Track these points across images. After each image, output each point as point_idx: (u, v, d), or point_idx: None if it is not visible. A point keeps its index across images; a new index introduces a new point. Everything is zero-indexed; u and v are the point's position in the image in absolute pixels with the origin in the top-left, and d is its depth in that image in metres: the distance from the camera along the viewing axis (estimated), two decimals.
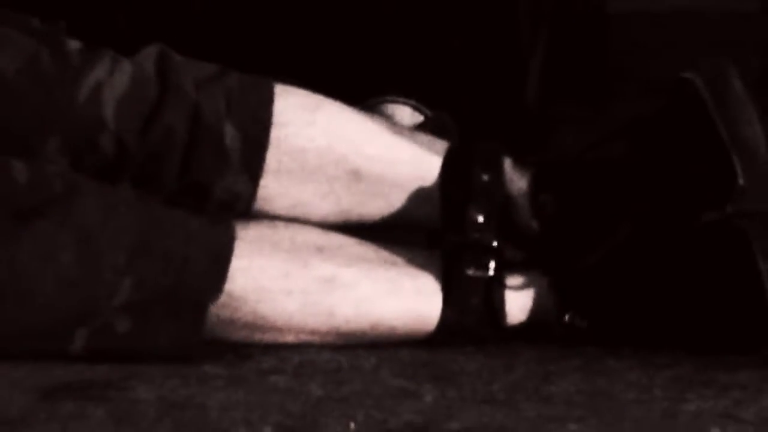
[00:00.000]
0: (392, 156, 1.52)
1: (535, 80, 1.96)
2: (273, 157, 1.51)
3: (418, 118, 1.69)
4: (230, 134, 1.50)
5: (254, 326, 1.45)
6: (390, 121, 1.60)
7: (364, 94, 1.65)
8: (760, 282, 1.42)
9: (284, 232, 1.49)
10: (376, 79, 1.70)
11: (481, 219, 1.48)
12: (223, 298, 1.42)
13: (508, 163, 1.51)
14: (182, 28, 1.70)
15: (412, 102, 1.67)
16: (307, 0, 1.93)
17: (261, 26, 1.86)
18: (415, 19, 1.94)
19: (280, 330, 1.46)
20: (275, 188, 1.51)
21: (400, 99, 1.67)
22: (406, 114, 1.65)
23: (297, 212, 1.51)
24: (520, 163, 1.52)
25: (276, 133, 1.51)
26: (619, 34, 2.49)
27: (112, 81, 1.49)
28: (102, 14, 1.66)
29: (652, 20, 2.63)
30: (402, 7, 1.94)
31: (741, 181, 1.44)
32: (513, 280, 1.49)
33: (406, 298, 1.47)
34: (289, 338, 1.46)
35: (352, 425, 1.27)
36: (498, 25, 1.95)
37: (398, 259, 1.50)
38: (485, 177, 1.50)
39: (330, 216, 1.52)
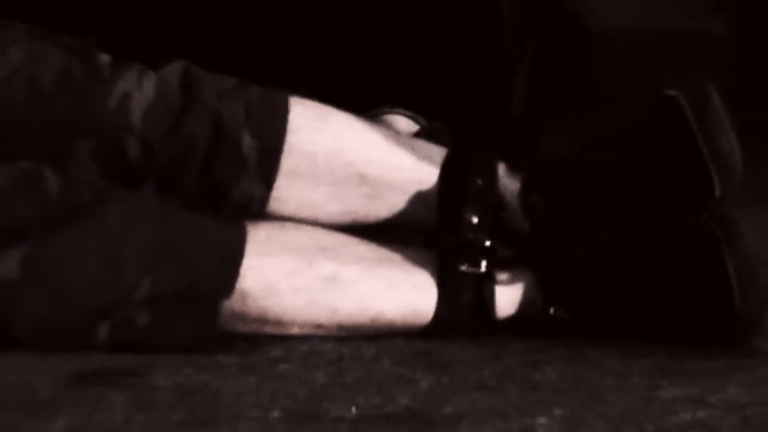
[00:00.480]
0: (394, 161, 1.52)
1: (521, 92, 1.96)
2: (286, 162, 1.50)
3: (413, 126, 1.68)
4: (247, 141, 1.50)
5: (263, 320, 1.45)
6: (391, 129, 1.60)
7: (363, 106, 1.65)
8: (728, 281, 1.42)
9: (291, 233, 1.49)
10: (374, 91, 1.70)
11: (475, 220, 1.48)
12: (234, 295, 1.42)
13: (501, 169, 1.51)
14: (196, 44, 1.69)
15: (408, 112, 1.67)
16: (313, 23, 1.93)
17: (271, 47, 1.86)
18: (409, 39, 1.94)
19: (287, 324, 1.46)
20: (287, 191, 1.51)
21: (397, 110, 1.67)
22: (402, 123, 1.65)
23: (307, 213, 1.51)
24: (512, 168, 1.52)
25: (289, 140, 1.50)
26: (599, 51, 2.49)
27: (140, 91, 1.49)
28: (123, 31, 1.66)
29: (628, 39, 2.64)
30: (398, 27, 1.94)
31: (717, 192, 1.44)
32: (503, 277, 1.48)
33: (403, 293, 1.47)
34: (295, 331, 1.46)
35: (354, 409, 1.27)
36: (486, 42, 1.95)
37: (396, 257, 1.49)
38: (480, 181, 1.50)
39: (337, 217, 1.52)
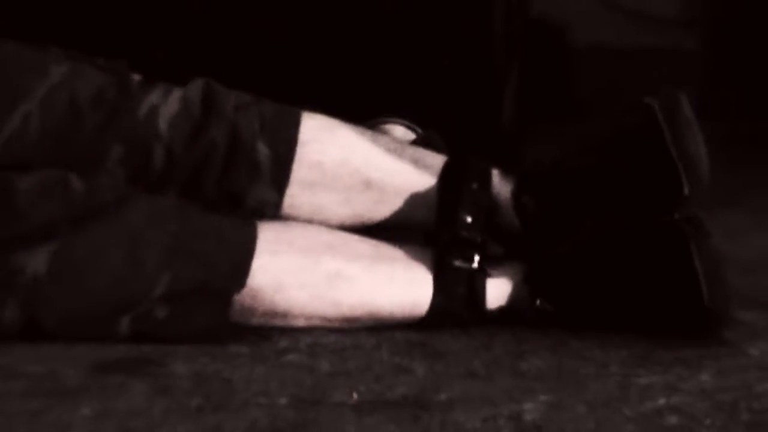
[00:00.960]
0: (396, 168, 1.52)
1: (510, 103, 1.96)
2: (297, 171, 1.51)
3: (410, 135, 1.68)
4: (262, 151, 1.50)
5: (272, 313, 1.45)
6: (390, 137, 1.60)
7: (364, 116, 1.65)
8: (695, 275, 1.42)
9: (298, 232, 1.49)
10: (376, 103, 1.70)
11: (469, 219, 1.48)
12: (245, 290, 1.42)
13: (495, 174, 1.51)
14: (210, 62, 1.70)
15: (405, 122, 1.67)
16: (317, 43, 1.94)
17: (280, 65, 1.86)
18: (407, 56, 1.94)
19: (294, 316, 1.45)
20: (300, 198, 1.51)
21: (395, 120, 1.67)
22: (400, 132, 1.65)
23: (317, 217, 1.52)
24: (505, 173, 1.52)
25: (300, 150, 1.51)
26: (580, 66, 2.49)
27: (165, 104, 1.50)
28: (144, 51, 1.67)
29: (608, 54, 2.63)
30: (397, 45, 1.94)
31: (686, 191, 1.44)
32: (494, 272, 1.48)
33: (401, 287, 1.47)
34: (302, 323, 1.46)
35: (355, 395, 1.27)
36: (478, 57, 1.95)
37: (395, 254, 1.49)
38: (474, 185, 1.50)
39: (346, 220, 1.52)
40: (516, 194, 1.50)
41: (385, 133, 1.63)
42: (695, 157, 1.46)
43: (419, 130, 1.66)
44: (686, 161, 1.45)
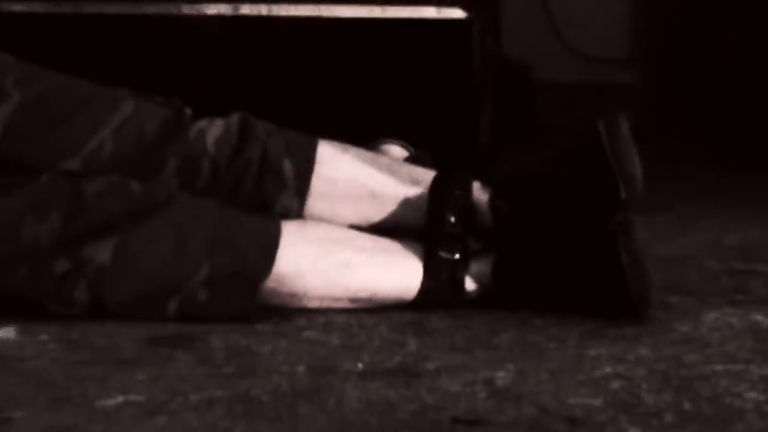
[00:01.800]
0: (395, 181, 1.52)
1: (485, 129, 1.96)
2: (316, 186, 1.51)
3: (405, 153, 1.68)
4: (287, 168, 1.50)
5: (293, 296, 1.44)
6: (391, 157, 1.60)
7: (370, 138, 1.65)
8: (621, 267, 1.41)
9: (313, 229, 1.49)
10: (377, 128, 1.70)
11: (453, 219, 1.47)
12: (271, 277, 1.42)
13: (475, 184, 1.51)
14: (239, 101, 1.69)
15: (401, 143, 1.67)
16: (335, 86, 1.94)
17: (296, 103, 1.85)
18: (405, 92, 1.94)
19: (309, 298, 1.45)
20: (317, 206, 1.51)
21: (393, 141, 1.67)
22: (397, 151, 1.64)
23: (331, 222, 1.52)
24: (482, 183, 1.52)
25: (317, 169, 1.51)
26: (541, 98, 2.49)
27: (211, 128, 1.50)
28: (191, 92, 1.67)
29: (563, 89, 2.63)
30: (397, 85, 1.95)
31: (623, 196, 1.43)
32: (472, 262, 1.48)
33: (397, 274, 1.46)
34: (316, 304, 1.45)
35: (360, 365, 1.27)
36: (459, 93, 1.94)
37: (392, 247, 1.48)
38: (458, 192, 1.49)
39: (354, 222, 1.52)
40: (492, 199, 1.50)
41: (384, 152, 1.63)
42: (631, 168, 1.45)
43: (412, 149, 1.65)
44: (623, 172, 1.44)
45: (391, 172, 1.53)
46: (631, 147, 1.46)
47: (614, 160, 1.44)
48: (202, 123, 1.51)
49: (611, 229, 1.42)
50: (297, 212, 1.50)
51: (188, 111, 1.53)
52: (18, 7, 1.97)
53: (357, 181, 1.52)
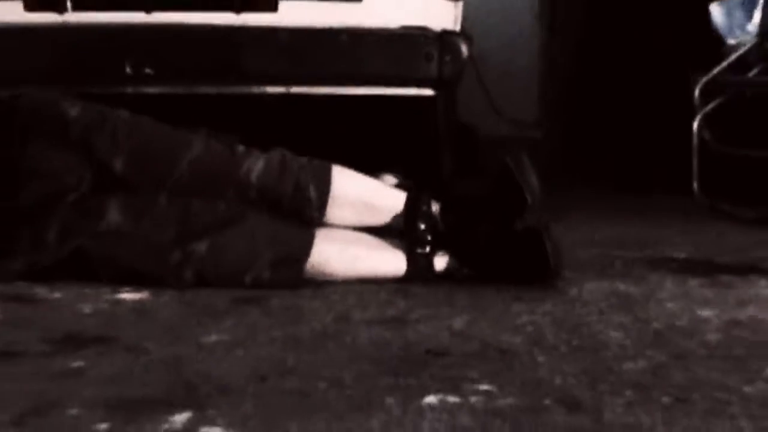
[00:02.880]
0: (386, 196, 1.51)
1: (447, 167, 1.94)
2: (331, 201, 1.47)
3: (394, 180, 1.67)
4: (312, 190, 1.47)
5: (323, 275, 1.43)
6: (385, 182, 1.61)
7: (371, 171, 1.64)
8: (546, 252, 1.41)
9: (335, 234, 1.47)
10: (376, 164, 1.68)
11: (423, 227, 1.47)
12: (308, 263, 1.41)
13: (435, 204, 1.50)
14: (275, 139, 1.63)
15: (392, 173, 1.66)
16: (348, 135, 1.88)
17: (312, 142, 1.81)
18: (392, 143, 1.91)
19: (334, 277, 1.44)
20: (332, 215, 1.48)
21: (386, 172, 1.66)
22: (390, 179, 1.64)
23: (341, 225, 1.49)
24: (444, 202, 1.50)
25: (333, 189, 1.48)
26: (482, 147, 2.49)
27: (257, 164, 1.46)
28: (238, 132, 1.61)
29: (496, 140, 2.63)
30: (387, 138, 1.90)
31: (529, 202, 1.43)
32: (437, 254, 1.47)
33: (390, 262, 1.46)
34: (337, 279, 1.44)
35: (366, 316, 1.27)
36: (428, 143, 1.91)
37: (386, 245, 1.47)
38: (425, 208, 1.48)
39: (356, 226, 1.49)
40: (442, 212, 1.48)
41: (382, 179, 1.63)
42: (532, 184, 1.44)
43: (400, 178, 1.64)
44: (527, 186, 1.43)
45: (385, 193, 1.51)
46: (530, 170, 1.44)
47: (520, 179, 1.43)
48: (249, 160, 1.44)
49: (537, 228, 1.40)
50: (318, 219, 1.46)
51: (241, 147, 1.46)
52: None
53: (360, 198, 1.49)
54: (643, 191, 2.43)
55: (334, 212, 1.47)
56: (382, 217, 1.49)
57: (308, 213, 1.46)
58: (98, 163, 1.42)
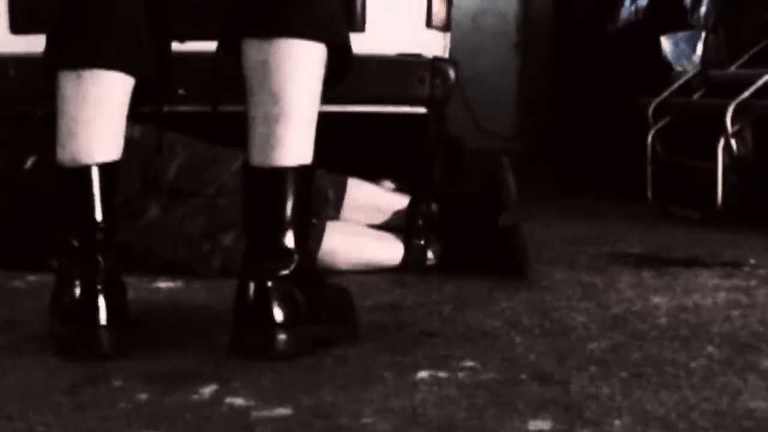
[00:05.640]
0: (390, 199, 1.52)
1: (437, 174, 1.94)
2: (346, 203, 1.49)
3: (392, 186, 1.67)
4: (330, 193, 1.48)
5: (331, 263, 1.42)
6: (386, 188, 1.61)
7: (375, 178, 1.64)
8: (515, 248, 1.40)
9: (343, 227, 1.46)
10: (377, 172, 1.68)
11: (420, 223, 1.47)
12: (320, 250, 1.41)
13: (434, 205, 1.49)
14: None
15: (391, 181, 1.66)
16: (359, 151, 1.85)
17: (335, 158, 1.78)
18: (392, 152, 1.90)
19: (340, 264, 1.42)
20: (346, 214, 1.50)
21: (385, 179, 1.66)
22: (388, 185, 1.64)
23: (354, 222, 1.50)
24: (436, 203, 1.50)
25: (347, 193, 1.50)
26: (468, 159, 2.49)
27: None
28: None
29: (479, 152, 2.62)
30: (388, 147, 1.89)
31: (506, 201, 1.43)
32: (431, 246, 1.46)
33: (390, 251, 1.45)
34: (344, 267, 1.43)
35: (367, 303, 1.26)
36: (421, 154, 1.90)
37: (387, 237, 1.47)
38: (423, 207, 1.48)
39: (366, 224, 1.50)
40: (437, 212, 1.49)
41: (383, 185, 1.63)
42: (509, 185, 1.43)
43: (398, 184, 1.65)
44: (504, 187, 1.43)
45: (388, 196, 1.53)
46: (509, 173, 1.44)
47: (500, 181, 1.43)
48: None
49: (509, 226, 1.39)
50: (335, 217, 1.48)
51: None
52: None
53: (369, 200, 1.51)
54: (605, 196, 2.43)
55: (348, 211, 1.48)
56: (388, 217, 1.50)
57: (327, 212, 1.46)
58: (153, 175, 1.44)
